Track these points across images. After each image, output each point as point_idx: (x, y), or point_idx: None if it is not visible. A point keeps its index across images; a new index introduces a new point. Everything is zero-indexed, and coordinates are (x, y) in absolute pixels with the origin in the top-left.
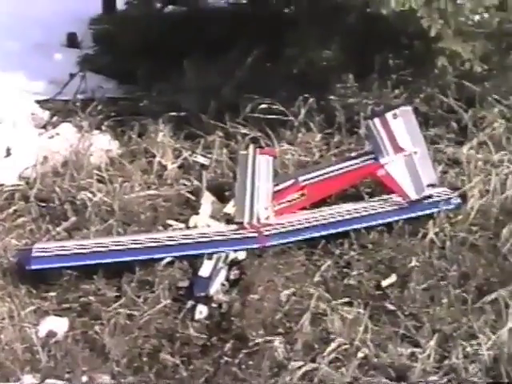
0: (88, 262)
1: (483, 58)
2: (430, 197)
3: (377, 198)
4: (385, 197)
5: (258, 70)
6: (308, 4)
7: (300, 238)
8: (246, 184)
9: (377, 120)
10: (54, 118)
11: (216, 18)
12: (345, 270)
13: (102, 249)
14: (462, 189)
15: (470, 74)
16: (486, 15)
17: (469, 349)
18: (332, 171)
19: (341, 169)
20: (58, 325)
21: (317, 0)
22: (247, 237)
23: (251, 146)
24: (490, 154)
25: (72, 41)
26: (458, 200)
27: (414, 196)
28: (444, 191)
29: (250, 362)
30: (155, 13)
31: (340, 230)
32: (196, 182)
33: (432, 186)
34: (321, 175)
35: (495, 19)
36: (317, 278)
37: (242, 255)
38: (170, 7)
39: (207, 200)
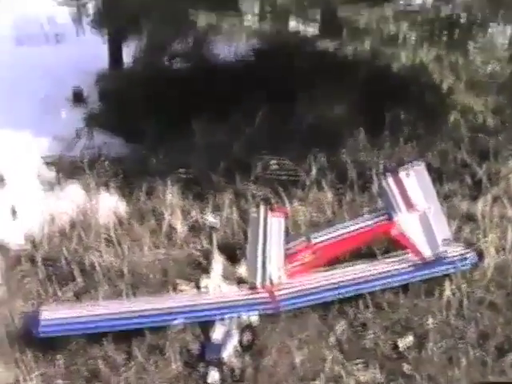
0: (98, 330)
1: (496, 111)
2: (445, 257)
3: (391, 257)
4: (399, 255)
5: (268, 127)
6: (318, 59)
7: (313, 300)
8: (257, 245)
9: (390, 179)
10: (61, 177)
11: (224, 73)
12: (360, 331)
13: (112, 315)
14: (477, 245)
15: (483, 127)
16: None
17: None
18: (344, 230)
19: (353, 228)
20: None
21: (326, 55)
22: (260, 299)
23: (262, 207)
24: (506, 208)
25: (78, 96)
26: (474, 258)
27: (428, 253)
28: (459, 248)
29: None
30: (162, 68)
31: (354, 291)
32: (206, 243)
33: (447, 241)
34: (333, 235)
35: (507, 70)
36: (331, 340)
37: (254, 318)
38: (178, 61)
39: (218, 261)
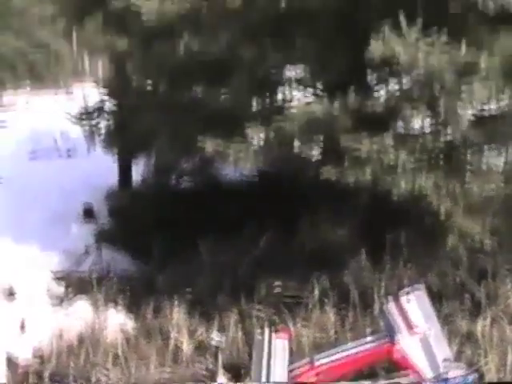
0: None
1: (493, 231)
2: (446, 379)
3: (393, 378)
4: (401, 375)
5: (272, 248)
6: (321, 183)
7: None
8: (261, 366)
9: (391, 303)
10: (70, 292)
11: (230, 192)
12: None
13: None
14: (478, 365)
15: (480, 248)
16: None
17: None
18: (347, 352)
19: (356, 350)
20: None
21: (328, 182)
22: None
23: (266, 329)
24: (505, 328)
25: (88, 212)
26: (476, 381)
27: (430, 374)
28: (460, 370)
29: None
30: (170, 187)
31: None
32: (211, 362)
33: (447, 361)
34: (336, 356)
35: (503, 193)
36: None
37: None
38: (185, 180)
39: (223, 380)
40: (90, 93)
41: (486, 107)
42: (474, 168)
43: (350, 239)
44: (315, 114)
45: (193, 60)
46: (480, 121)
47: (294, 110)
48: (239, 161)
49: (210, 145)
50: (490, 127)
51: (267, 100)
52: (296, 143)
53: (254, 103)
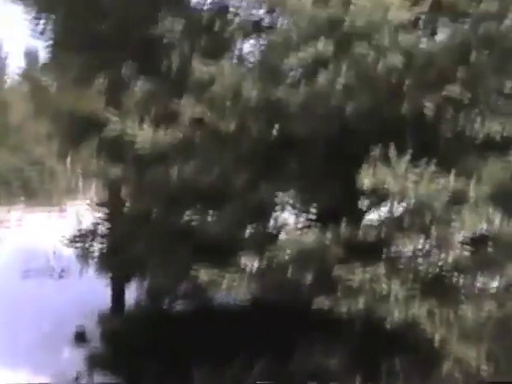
0: None
1: (489, 356)
2: None
3: None
4: None
5: (266, 376)
6: (313, 312)
7: None
8: None
9: None
10: None
11: (224, 317)
12: None
13: None
14: None
15: (477, 373)
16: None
17: None
18: None
19: None
20: None
21: (322, 310)
22: None
23: None
24: None
25: (80, 336)
26: None
27: None
28: None
29: None
30: (163, 311)
31: None
32: None
33: None
34: None
35: (497, 316)
36: None
37: None
38: (178, 304)
39: None
40: (83, 212)
41: (477, 232)
42: (467, 293)
43: (345, 366)
44: (307, 244)
45: (186, 186)
46: (472, 245)
47: (286, 238)
48: (232, 289)
49: (203, 274)
50: (481, 252)
51: (260, 227)
52: (289, 271)
53: (247, 230)
